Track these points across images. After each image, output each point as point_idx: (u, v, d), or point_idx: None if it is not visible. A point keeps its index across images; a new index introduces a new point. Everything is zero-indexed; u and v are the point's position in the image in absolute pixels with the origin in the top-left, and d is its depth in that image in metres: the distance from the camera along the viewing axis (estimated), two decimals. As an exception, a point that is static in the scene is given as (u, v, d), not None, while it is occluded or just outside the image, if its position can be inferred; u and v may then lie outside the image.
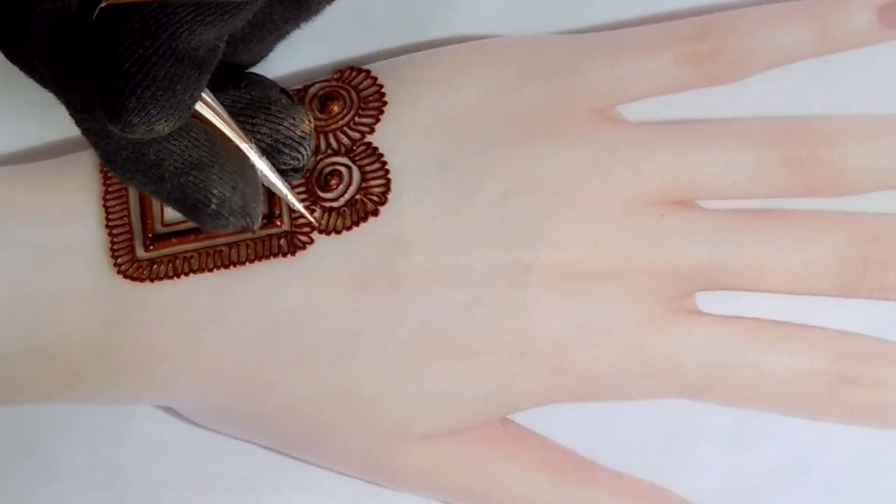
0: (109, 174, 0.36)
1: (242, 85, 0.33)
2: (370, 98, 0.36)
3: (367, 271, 0.35)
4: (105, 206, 0.36)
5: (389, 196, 0.35)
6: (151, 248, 0.35)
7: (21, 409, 0.38)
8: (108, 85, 0.27)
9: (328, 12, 0.38)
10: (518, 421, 0.37)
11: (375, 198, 0.35)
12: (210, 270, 0.35)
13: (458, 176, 0.35)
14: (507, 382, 0.36)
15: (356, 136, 0.36)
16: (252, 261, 0.35)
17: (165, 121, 0.28)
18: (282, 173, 0.33)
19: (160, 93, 0.27)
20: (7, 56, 0.29)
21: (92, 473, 0.38)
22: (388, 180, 0.35)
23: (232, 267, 0.35)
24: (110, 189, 0.36)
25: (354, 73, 0.37)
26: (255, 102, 0.33)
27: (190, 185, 0.31)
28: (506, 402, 0.36)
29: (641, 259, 0.35)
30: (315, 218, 0.35)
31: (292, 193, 0.34)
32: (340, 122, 0.36)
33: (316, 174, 0.35)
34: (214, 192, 0.31)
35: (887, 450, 0.37)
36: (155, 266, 0.35)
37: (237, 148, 0.32)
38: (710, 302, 0.37)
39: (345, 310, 0.35)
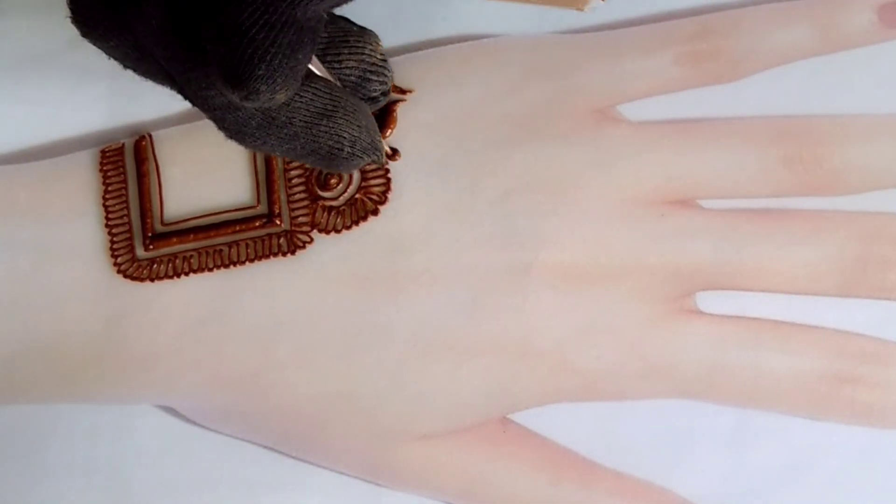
0: (109, 174, 0.36)
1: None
2: (370, 98, 0.36)
3: (367, 271, 0.35)
4: (105, 206, 0.36)
5: (389, 196, 0.35)
6: (151, 247, 0.35)
7: (21, 408, 0.38)
8: (236, 51, 0.27)
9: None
10: (518, 421, 0.37)
11: (375, 197, 0.35)
12: (210, 270, 0.35)
13: (458, 175, 0.36)
14: (507, 382, 0.36)
15: (356, 135, 0.36)
16: (252, 260, 0.35)
17: (287, 88, 0.27)
18: (372, 100, 0.33)
19: (285, 61, 0.27)
20: (106, 44, 0.29)
21: (92, 473, 0.38)
22: (389, 180, 0.35)
23: (232, 266, 0.35)
24: (110, 189, 0.36)
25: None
26: (334, 38, 0.33)
27: (322, 135, 0.30)
28: (506, 402, 0.36)
29: (641, 259, 0.35)
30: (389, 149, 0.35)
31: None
32: (340, 122, 0.36)
33: (316, 173, 0.35)
34: (345, 134, 0.31)
35: (887, 450, 0.37)
36: (155, 266, 0.35)
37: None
38: (710, 302, 0.37)
39: (345, 310, 0.35)
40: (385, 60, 0.33)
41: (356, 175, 0.35)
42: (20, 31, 0.39)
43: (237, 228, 0.35)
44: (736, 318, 0.37)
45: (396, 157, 0.35)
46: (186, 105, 0.29)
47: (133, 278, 0.35)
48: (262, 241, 0.35)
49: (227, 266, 0.35)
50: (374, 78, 0.33)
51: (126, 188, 0.36)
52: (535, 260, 0.35)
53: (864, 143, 0.36)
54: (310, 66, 0.30)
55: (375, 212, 0.35)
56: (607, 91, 0.36)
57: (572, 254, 0.35)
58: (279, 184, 0.36)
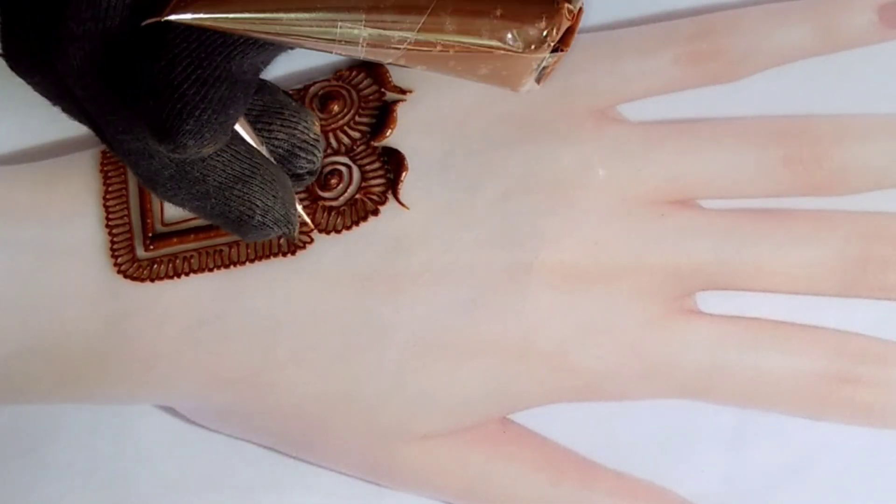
0: (110, 174, 0.36)
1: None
2: (370, 97, 0.36)
3: (368, 271, 0.35)
4: (105, 206, 0.36)
5: (389, 195, 0.35)
6: (152, 247, 0.35)
7: (21, 408, 0.38)
8: (164, 106, 0.27)
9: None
10: (518, 421, 0.37)
11: (375, 197, 0.35)
12: (210, 270, 0.35)
13: (458, 176, 0.36)
14: (507, 382, 0.36)
15: (356, 135, 0.36)
16: (252, 260, 0.35)
17: (214, 143, 0.28)
18: (297, 177, 0.33)
19: (215, 116, 0.27)
20: (31, 79, 0.29)
21: (92, 473, 0.38)
22: (388, 180, 0.35)
23: (232, 267, 0.35)
24: (110, 189, 0.36)
25: (355, 73, 0.37)
26: (268, 109, 0.33)
27: (234, 199, 0.31)
28: (506, 401, 0.36)
29: (642, 259, 0.36)
30: (310, 222, 0.35)
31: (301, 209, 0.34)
32: (340, 122, 0.36)
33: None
34: (258, 203, 0.31)
35: (887, 450, 0.37)
36: (155, 266, 0.35)
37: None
38: (710, 302, 0.37)
39: (345, 310, 0.35)
40: (318, 140, 0.33)
41: (356, 175, 0.35)
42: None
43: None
44: (736, 318, 0.37)
45: (308, 236, 0.35)
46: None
47: (133, 278, 0.35)
48: (263, 240, 0.35)
49: (227, 266, 0.35)
50: (303, 155, 0.33)
51: (126, 188, 0.36)
52: (535, 260, 0.35)
53: (864, 143, 0.36)
54: (236, 128, 0.30)
55: (375, 212, 0.35)
56: (607, 91, 0.37)
57: (572, 254, 0.35)
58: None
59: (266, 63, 0.29)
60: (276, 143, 0.32)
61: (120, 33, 0.27)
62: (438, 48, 0.27)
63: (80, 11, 0.27)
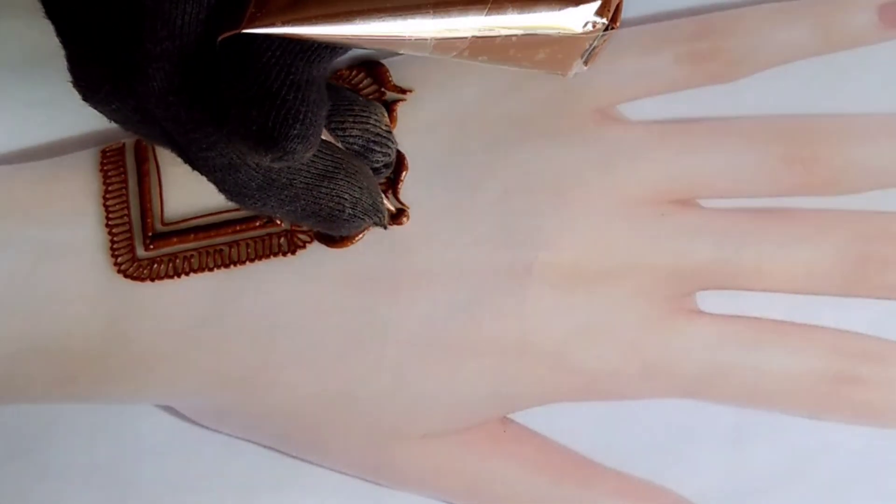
0: (110, 173, 0.36)
1: None
2: (370, 97, 0.36)
3: (367, 271, 0.35)
4: (105, 206, 0.36)
5: (389, 195, 0.35)
6: (152, 247, 0.35)
7: (21, 408, 0.38)
8: (269, 114, 0.27)
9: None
10: (518, 421, 0.37)
11: (375, 197, 0.35)
12: (210, 270, 0.35)
13: (458, 176, 0.36)
14: (507, 382, 0.36)
15: (356, 135, 0.36)
16: (252, 260, 0.35)
17: (316, 145, 0.28)
18: (375, 171, 0.33)
19: (314, 118, 0.27)
20: (107, 107, 0.29)
21: (92, 473, 0.38)
22: (389, 179, 0.35)
23: (232, 266, 0.35)
24: (110, 189, 0.36)
25: (355, 73, 0.37)
26: (338, 107, 0.33)
27: (323, 197, 0.31)
28: (506, 401, 0.36)
29: (642, 258, 0.36)
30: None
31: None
32: (341, 122, 0.36)
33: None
34: (346, 196, 0.31)
35: (887, 450, 0.37)
36: (155, 265, 0.35)
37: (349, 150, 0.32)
38: (710, 302, 0.37)
39: (344, 310, 0.35)
40: (390, 132, 0.34)
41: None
42: (20, 31, 0.39)
43: (237, 228, 0.35)
44: (736, 318, 0.37)
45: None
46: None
47: (133, 278, 0.35)
48: (263, 240, 0.35)
49: (227, 266, 0.35)
50: (378, 148, 0.33)
51: (126, 188, 0.36)
52: (535, 260, 0.35)
53: (864, 142, 0.36)
54: None
55: (375, 212, 0.35)
56: (607, 91, 0.37)
57: (572, 253, 0.35)
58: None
59: (328, 68, 0.29)
60: (350, 139, 0.33)
61: (197, 49, 0.27)
62: (502, 36, 0.28)
63: (155, 31, 0.27)
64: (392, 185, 0.35)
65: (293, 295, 0.35)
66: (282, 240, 0.35)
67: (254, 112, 0.27)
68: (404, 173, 0.35)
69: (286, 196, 0.30)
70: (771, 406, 0.37)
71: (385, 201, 0.34)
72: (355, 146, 0.33)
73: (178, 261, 0.35)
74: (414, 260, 0.35)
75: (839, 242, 0.36)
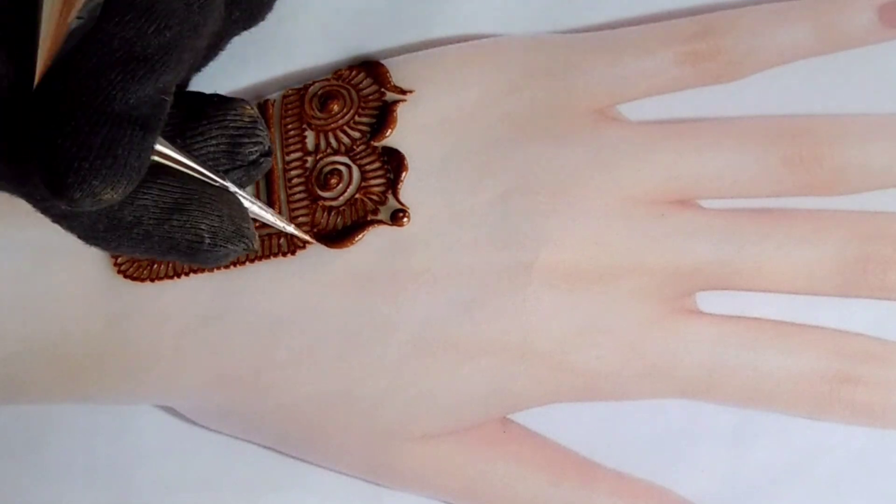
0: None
1: (172, 110, 0.32)
2: (370, 97, 0.36)
3: (368, 271, 0.35)
4: (105, 206, 0.36)
5: (389, 195, 0.35)
6: (151, 247, 0.35)
7: (21, 408, 0.38)
8: (45, 163, 0.26)
9: (328, 12, 0.38)
10: (518, 421, 0.37)
11: (375, 197, 0.35)
12: (210, 269, 0.35)
13: (458, 176, 0.35)
14: (507, 382, 0.36)
15: (356, 135, 0.36)
16: (252, 260, 0.35)
17: (112, 188, 0.27)
18: (254, 164, 0.32)
19: (98, 161, 0.27)
20: None
21: (92, 473, 0.38)
22: (389, 180, 0.35)
23: (232, 266, 0.35)
24: (110, 189, 0.36)
25: (355, 73, 0.37)
26: (190, 114, 0.32)
27: (177, 230, 0.30)
28: (506, 402, 0.36)
29: (642, 259, 0.35)
30: (309, 237, 0.35)
31: (280, 218, 0.34)
32: (340, 122, 0.36)
33: (315, 173, 0.35)
34: (203, 226, 0.31)
35: (887, 450, 0.37)
36: (155, 265, 0.35)
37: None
38: (710, 302, 0.37)
39: (345, 310, 0.35)
40: (255, 121, 0.32)
41: (356, 175, 0.35)
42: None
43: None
44: (736, 318, 0.37)
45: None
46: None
47: (133, 278, 0.35)
48: (263, 240, 0.35)
49: (227, 266, 0.35)
50: (247, 140, 0.32)
51: (126, 188, 0.36)
52: (535, 260, 0.35)
53: (864, 143, 0.36)
54: (155, 159, 0.30)
55: (375, 212, 0.35)
56: (607, 91, 0.36)
57: (572, 254, 0.35)
58: (279, 184, 0.36)
59: (166, 91, 0.28)
60: (213, 142, 0.32)
61: (12, 104, 0.27)
62: None
63: None
64: (392, 185, 0.35)
65: (293, 295, 0.35)
66: (282, 240, 0.35)
67: (35, 162, 0.27)
68: (404, 173, 0.35)
69: (137, 235, 0.30)
70: (771, 406, 0.37)
71: (251, 225, 0.32)
72: (221, 147, 0.32)
73: (177, 261, 0.35)
74: (414, 260, 0.35)
75: (839, 242, 0.36)
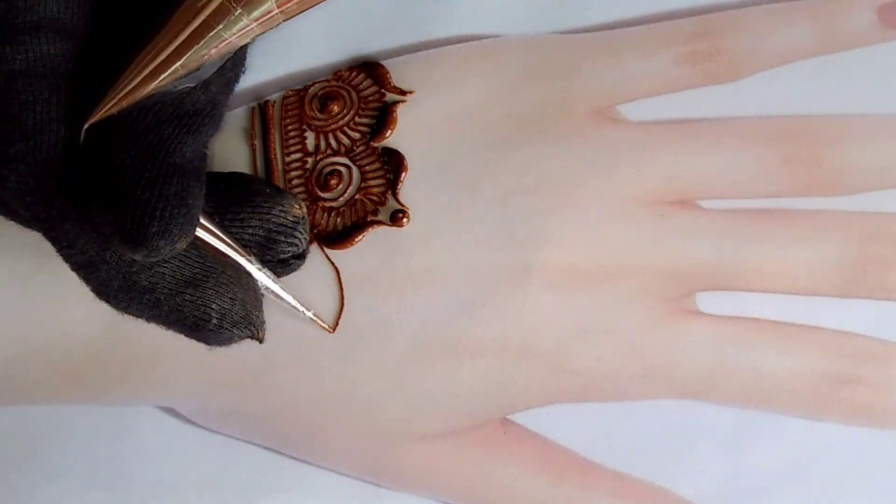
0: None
1: (221, 186, 0.32)
2: (370, 98, 0.36)
3: (367, 271, 0.35)
4: (105, 207, 0.36)
5: (389, 196, 0.35)
6: (151, 248, 0.35)
7: (22, 409, 0.38)
8: (125, 215, 0.27)
9: (328, 13, 0.38)
10: (518, 421, 0.37)
11: (375, 198, 0.35)
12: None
13: (458, 176, 0.35)
14: (507, 383, 0.36)
15: (356, 135, 0.36)
16: (252, 261, 0.35)
17: (185, 237, 0.28)
18: (283, 263, 0.33)
19: (176, 210, 0.27)
20: None
21: (93, 474, 0.38)
22: (388, 180, 0.35)
23: (232, 267, 0.35)
24: (110, 189, 0.36)
25: (355, 74, 0.37)
26: (238, 199, 0.32)
27: (187, 305, 0.30)
28: (506, 402, 0.36)
29: (641, 259, 0.35)
30: (327, 326, 0.35)
31: (299, 302, 0.34)
32: (340, 122, 0.36)
33: (315, 174, 0.35)
34: (213, 306, 0.31)
35: (887, 450, 0.37)
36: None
37: (230, 257, 0.32)
38: (710, 302, 0.37)
39: (345, 310, 0.35)
40: (298, 222, 0.32)
41: (356, 176, 0.35)
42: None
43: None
44: (736, 318, 0.37)
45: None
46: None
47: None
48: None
49: (227, 266, 0.35)
50: (283, 239, 0.32)
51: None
52: (535, 260, 0.35)
53: (864, 143, 0.36)
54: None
55: (375, 212, 0.35)
56: (607, 91, 0.36)
57: (572, 254, 0.35)
58: (279, 185, 0.36)
59: (206, 144, 0.29)
60: (250, 231, 0.32)
61: (59, 150, 0.28)
62: None
63: (7, 133, 0.27)
64: (392, 185, 0.35)
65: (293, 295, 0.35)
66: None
67: (110, 216, 0.27)
68: (404, 173, 0.35)
69: (148, 300, 0.30)
70: (771, 406, 0.37)
71: (262, 314, 0.32)
72: (256, 238, 0.32)
73: (177, 262, 0.35)
74: (414, 261, 0.35)
75: (839, 242, 0.36)
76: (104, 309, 0.35)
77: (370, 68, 0.37)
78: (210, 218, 0.31)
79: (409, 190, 0.35)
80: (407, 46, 0.38)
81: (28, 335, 0.35)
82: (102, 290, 0.30)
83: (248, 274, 0.32)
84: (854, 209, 0.37)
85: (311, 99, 0.36)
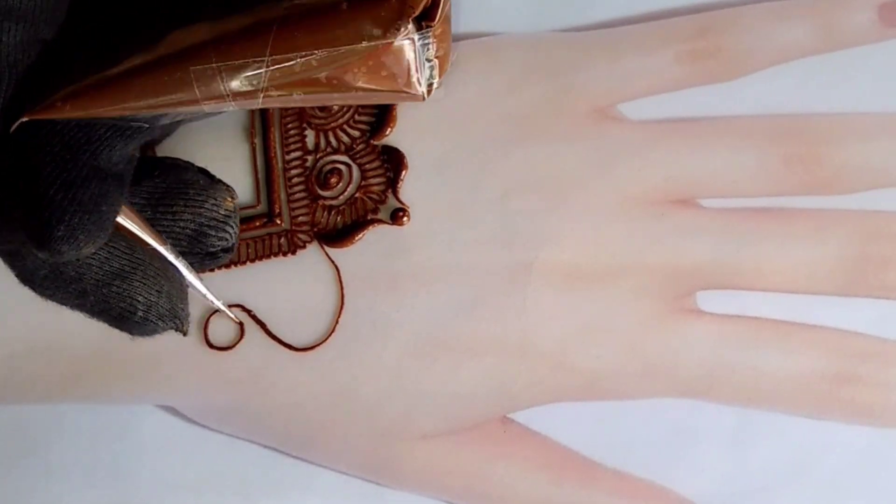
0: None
1: (156, 174, 0.32)
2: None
3: (367, 270, 0.35)
4: (105, 206, 0.36)
5: (389, 195, 0.35)
6: (152, 246, 0.35)
7: (23, 409, 0.38)
8: (34, 214, 0.27)
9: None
10: (519, 420, 0.37)
11: (375, 196, 0.35)
12: (210, 270, 0.35)
13: (458, 175, 0.36)
14: (507, 381, 0.36)
15: (356, 134, 0.36)
16: (252, 260, 0.35)
17: (93, 242, 0.28)
18: (212, 255, 0.32)
19: (87, 216, 0.27)
20: None
21: (94, 473, 0.38)
22: (388, 179, 0.35)
23: (232, 266, 0.35)
24: (111, 188, 0.36)
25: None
26: (171, 189, 0.32)
27: (113, 296, 0.30)
28: (506, 401, 0.36)
29: (642, 258, 0.35)
30: (235, 316, 0.35)
31: (211, 294, 0.33)
32: (340, 120, 0.36)
33: (316, 172, 0.35)
34: (139, 298, 0.31)
35: (887, 450, 0.37)
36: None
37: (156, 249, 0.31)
38: (710, 301, 0.37)
39: (345, 309, 0.35)
40: (229, 216, 0.32)
41: (356, 174, 0.35)
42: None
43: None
44: (736, 317, 0.37)
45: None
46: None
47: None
48: (263, 240, 0.35)
49: (227, 266, 0.35)
50: (212, 233, 0.32)
51: (126, 188, 0.36)
52: (535, 259, 0.35)
53: (863, 142, 0.36)
54: (120, 220, 0.30)
55: (376, 211, 0.35)
56: (607, 90, 0.37)
57: (572, 253, 0.35)
58: (279, 183, 0.36)
59: (137, 149, 0.29)
60: (181, 224, 0.32)
61: None
62: (300, 61, 0.26)
63: None
64: (392, 184, 0.35)
65: (293, 295, 0.35)
66: (282, 240, 0.35)
67: (21, 212, 0.27)
68: (404, 172, 0.35)
69: (74, 290, 0.30)
70: (771, 406, 0.37)
71: (187, 308, 0.32)
72: (187, 230, 0.32)
73: (178, 260, 0.35)
74: (414, 260, 0.35)
75: (839, 242, 0.36)
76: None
77: (370, 67, 0.37)
78: (132, 208, 0.31)
79: (410, 188, 0.35)
80: (407, 46, 0.38)
81: (29, 334, 0.35)
82: (28, 279, 0.30)
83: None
84: (854, 208, 0.37)
85: (311, 98, 0.36)
